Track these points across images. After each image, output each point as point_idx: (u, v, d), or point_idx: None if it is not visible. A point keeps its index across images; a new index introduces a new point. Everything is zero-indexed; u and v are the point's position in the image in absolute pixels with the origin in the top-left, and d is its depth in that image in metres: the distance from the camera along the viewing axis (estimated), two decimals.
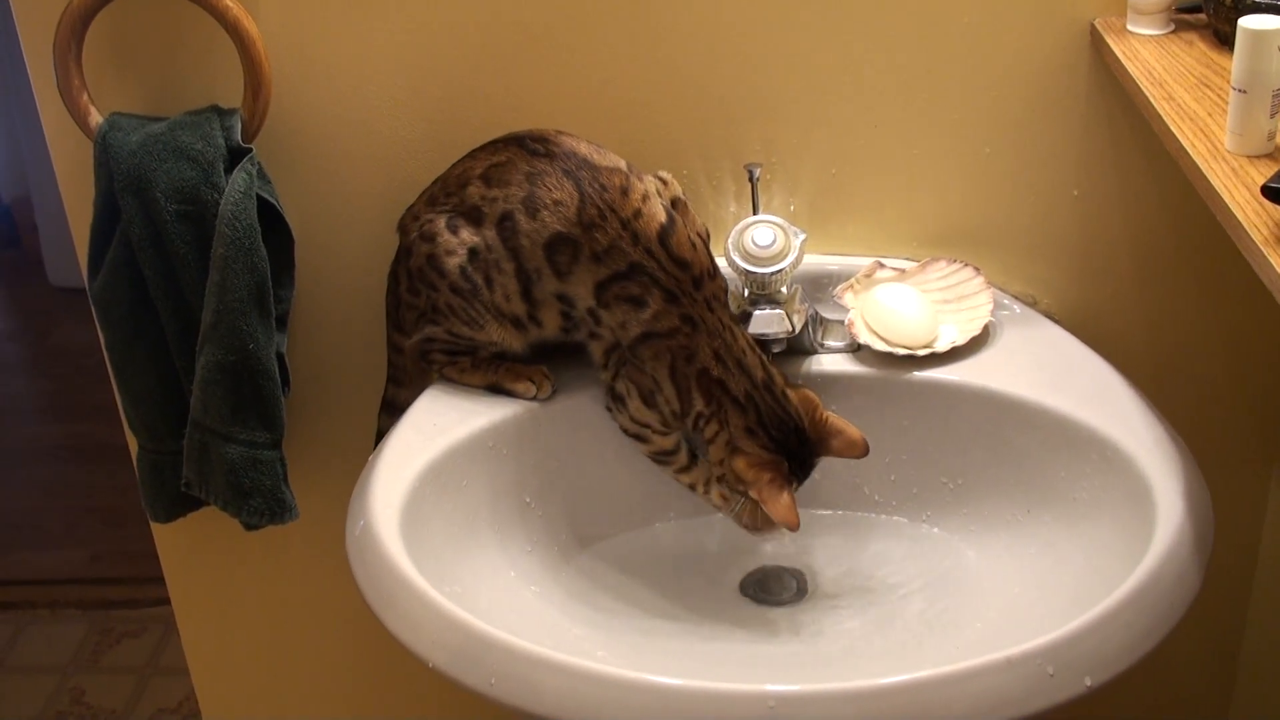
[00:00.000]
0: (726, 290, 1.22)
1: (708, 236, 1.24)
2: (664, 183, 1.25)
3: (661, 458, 1.25)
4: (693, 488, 1.26)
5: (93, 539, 2.70)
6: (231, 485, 1.34)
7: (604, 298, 1.19)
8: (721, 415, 1.17)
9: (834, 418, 1.18)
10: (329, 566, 1.53)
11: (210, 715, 1.69)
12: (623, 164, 1.22)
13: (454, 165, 1.27)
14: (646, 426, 1.23)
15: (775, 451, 1.16)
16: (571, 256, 1.20)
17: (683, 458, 1.25)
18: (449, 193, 1.25)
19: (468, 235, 1.23)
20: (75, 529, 2.74)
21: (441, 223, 1.24)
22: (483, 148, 1.26)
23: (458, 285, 1.24)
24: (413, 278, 1.26)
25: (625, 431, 1.25)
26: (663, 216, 1.19)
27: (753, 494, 1.16)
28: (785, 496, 1.15)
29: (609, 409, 1.26)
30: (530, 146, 1.22)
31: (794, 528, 1.15)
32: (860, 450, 1.18)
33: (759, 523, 1.23)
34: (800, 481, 1.18)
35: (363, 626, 1.31)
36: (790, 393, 1.18)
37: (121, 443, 1.47)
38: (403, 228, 1.28)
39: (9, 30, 1.32)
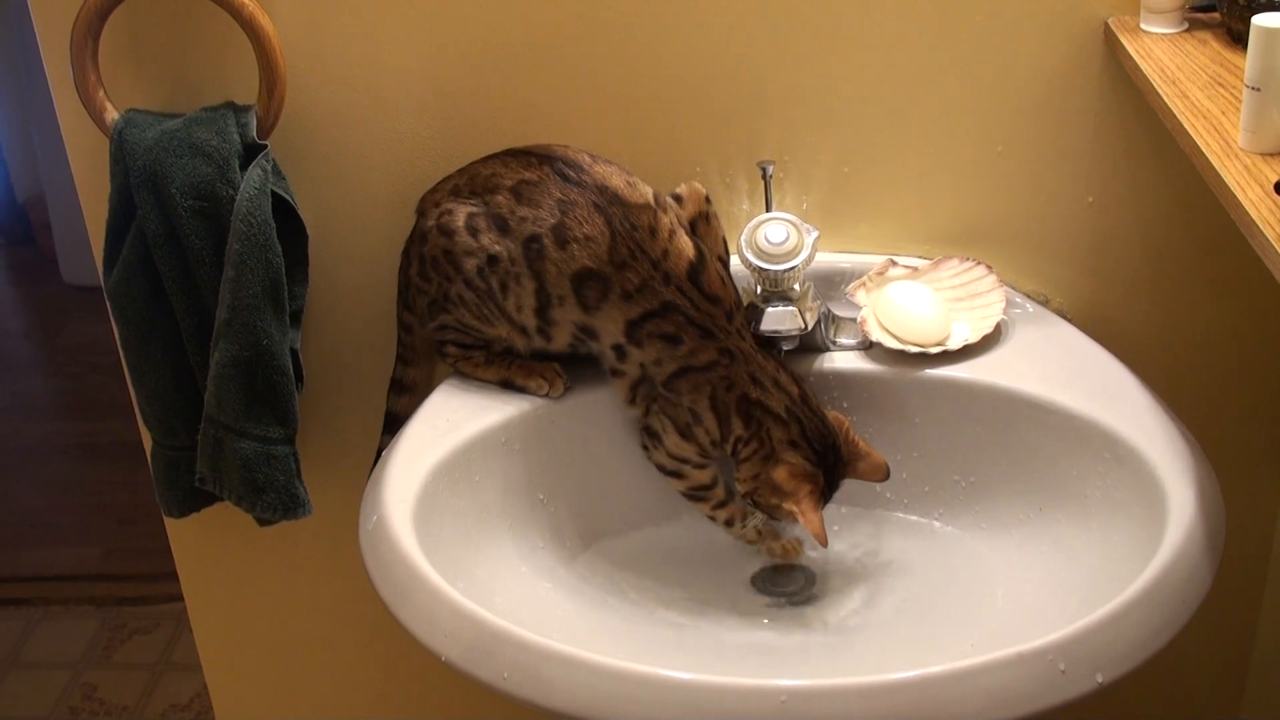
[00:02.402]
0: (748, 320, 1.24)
1: (727, 251, 1.24)
2: (679, 201, 1.25)
3: (697, 493, 1.26)
4: (729, 524, 1.27)
5: (105, 536, 2.71)
6: (245, 481, 1.34)
7: (636, 335, 1.20)
8: (763, 433, 1.18)
9: (862, 441, 1.20)
10: (342, 562, 1.53)
11: (222, 711, 1.69)
12: (650, 197, 1.22)
13: (484, 162, 1.27)
14: (685, 462, 1.24)
15: (816, 465, 1.17)
16: (601, 294, 1.20)
17: (719, 493, 1.26)
18: (475, 191, 1.25)
19: (488, 240, 1.23)
20: (88, 526, 2.74)
21: (461, 219, 1.24)
22: (515, 155, 1.26)
23: (472, 282, 1.24)
24: (425, 264, 1.27)
25: (662, 469, 1.26)
26: (691, 253, 1.20)
27: (788, 505, 1.17)
28: (820, 512, 1.16)
29: (644, 446, 1.26)
30: (563, 170, 1.22)
31: (824, 544, 1.16)
32: (883, 475, 1.20)
33: (794, 554, 1.27)
34: (827, 500, 1.19)
35: (376, 621, 1.31)
36: (824, 410, 1.20)
37: (134, 440, 1.47)
38: (421, 210, 1.29)
39: (26, 29, 1.33)
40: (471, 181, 1.26)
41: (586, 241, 1.19)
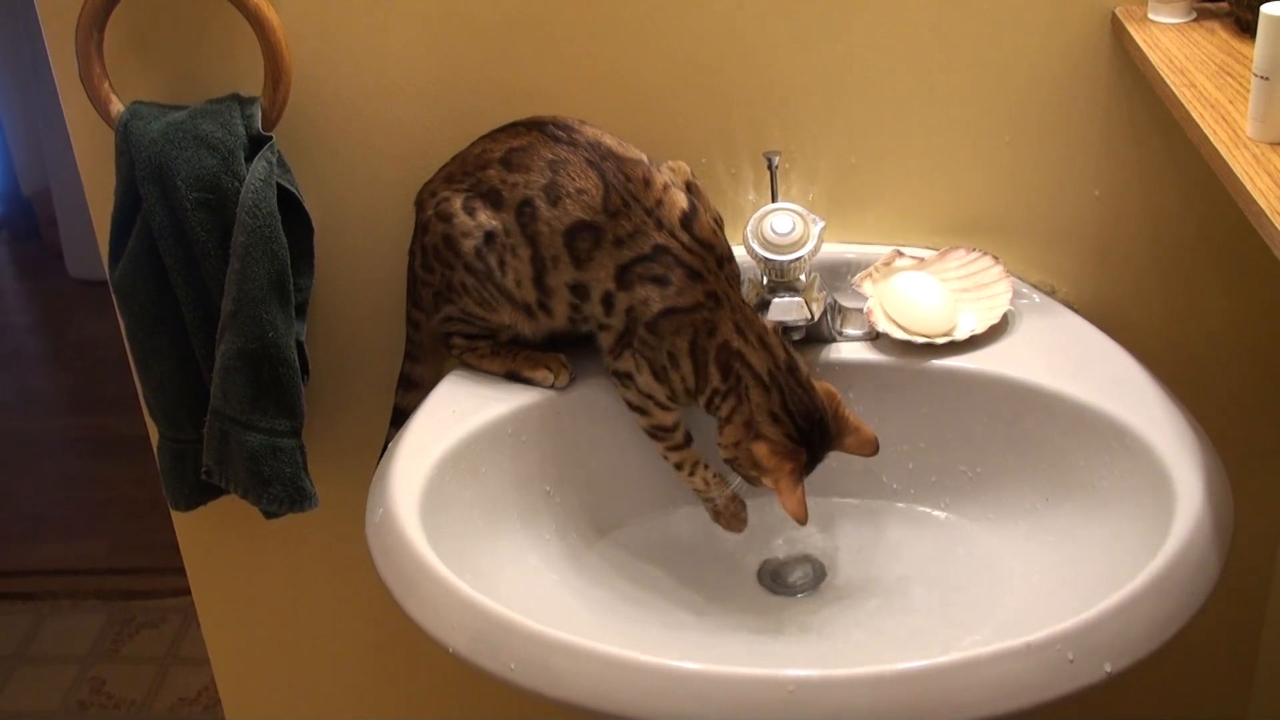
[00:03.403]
0: (741, 280, 1.23)
1: (721, 223, 1.24)
2: (673, 170, 1.25)
3: (657, 432, 1.25)
4: (678, 467, 1.26)
5: (112, 530, 2.71)
6: (251, 473, 1.34)
7: (626, 279, 1.20)
8: (740, 390, 1.17)
9: (852, 415, 1.18)
10: (349, 554, 1.54)
11: (230, 704, 1.69)
12: (644, 157, 1.23)
13: (473, 144, 1.28)
14: (650, 399, 1.23)
15: (799, 442, 1.16)
16: (593, 243, 1.20)
17: (678, 436, 1.25)
18: (467, 172, 1.26)
19: (484, 218, 1.23)
20: (95, 520, 2.75)
21: (458, 203, 1.24)
22: (503, 130, 1.26)
23: (472, 265, 1.24)
24: (428, 254, 1.27)
25: (630, 405, 1.25)
26: (685, 203, 1.20)
27: (768, 482, 1.16)
28: (800, 491, 1.15)
29: (617, 386, 1.26)
30: (552, 133, 1.23)
31: (803, 522, 1.15)
32: (872, 449, 1.18)
33: (733, 519, 1.26)
34: (808, 473, 1.17)
35: (383, 613, 1.31)
36: (814, 383, 1.18)
37: (141, 434, 1.47)
38: (419, 203, 1.29)
39: (31, 21, 1.33)
40: (463, 164, 1.27)
41: (579, 195, 1.20)
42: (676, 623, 1.21)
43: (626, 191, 1.20)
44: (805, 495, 1.15)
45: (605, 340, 1.24)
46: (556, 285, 1.23)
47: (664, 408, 1.23)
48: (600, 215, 1.20)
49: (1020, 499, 1.23)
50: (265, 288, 1.29)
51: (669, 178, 1.23)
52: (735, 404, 1.17)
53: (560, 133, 1.23)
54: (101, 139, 1.34)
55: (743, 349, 1.17)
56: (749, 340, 1.17)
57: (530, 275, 1.23)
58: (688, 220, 1.19)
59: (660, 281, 1.19)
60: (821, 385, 1.18)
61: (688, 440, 1.26)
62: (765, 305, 1.25)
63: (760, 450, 1.15)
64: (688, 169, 1.26)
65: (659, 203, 1.20)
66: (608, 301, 1.22)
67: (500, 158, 1.24)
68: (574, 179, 1.20)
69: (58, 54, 1.33)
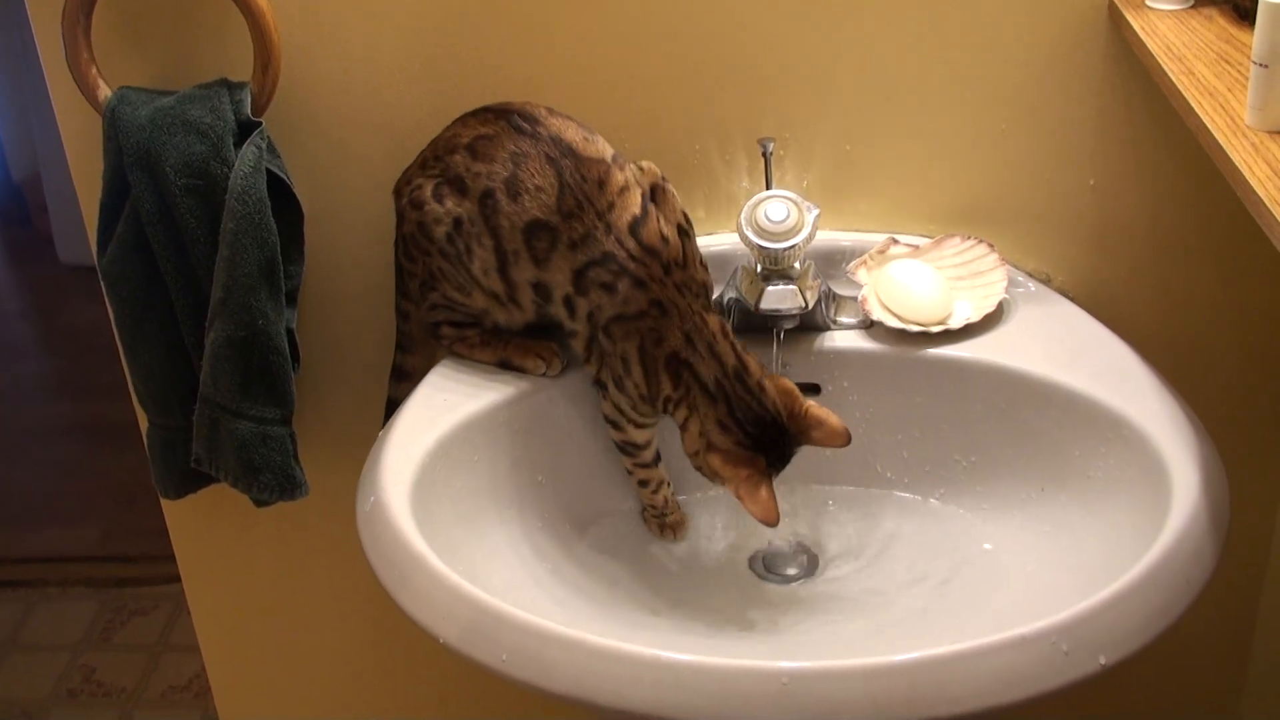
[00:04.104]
0: (706, 286, 1.20)
1: (686, 229, 1.22)
2: (642, 170, 1.23)
3: (627, 448, 1.24)
4: (643, 484, 1.26)
5: (103, 517, 2.70)
6: (242, 461, 1.34)
7: (582, 284, 1.19)
8: (690, 401, 1.16)
9: (814, 408, 1.16)
10: (340, 543, 1.53)
11: (221, 692, 1.69)
12: (608, 154, 1.21)
13: (447, 127, 1.27)
14: (621, 412, 1.22)
15: (751, 448, 1.14)
16: (550, 244, 1.19)
17: (647, 455, 1.25)
18: (438, 156, 1.25)
19: (452, 205, 1.22)
20: (86, 507, 2.74)
21: (428, 190, 1.24)
22: (474, 114, 1.25)
23: (445, 251, 1.24)
24: (408, 244, 1.27)
25: (605, 417, 1.24)
26: (636, 209, 1.18)
27: (729, 489, 1.15)
28: (763, 492, 1.13)
29: (599, 392, 1.25)
30: (517, 124, 1.21)
31: (773, 524, 1.12)
32: (843, 440, 1.15)
33: (676, 528, 1.28)
34: (779, 470, 1.15)
35: (374, 603, 1.30)
36: (767, 384, 1.15)
37: (133, 421, 1.47)
38: (397, 192, 1.28)
39: (19, 6, 1.32)
40: (435, 148, 1.26)
41: (537, 192, 1.19)
42: (669, 612, 1.20)
43: (581, 192, 1.18)
44: (773, 498, 1.12)
45: (577, 347, 1.24)
46: (520, 281, 1.22)
47: (635, 424, 1.22)
48: (555, 216, 1.19)
49: (1015, 489, 1.23)
50: (255, 274, 1.28)
51: (632, 178, 1.21)
52: (688, 413, 1.16)
53: (525, 124, 1.21)
54: (89, 125, 1.33)
55: (691, 359, 1.16)
56: (697, 350, 1.16)
57: (495, 266, 1.22)
58: (635, 226, 1.18)
59: (608, 289, 1.18)
60: (777, 385, 1.16)
61: (656, 460, 1.25)
62: (759, 293, 1.25)
63: (714, 461, 1.15)
64: (658, 171, 1.24)
65: (610, 206, 1.18)
66: (569, 305, 1.21)
67: (467, 144, 1.23)
68: (533, 175, 1.19)
69: (45, 39, 1.32)
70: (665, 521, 1.28)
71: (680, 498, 1.31)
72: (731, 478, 1.14)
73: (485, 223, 1.21)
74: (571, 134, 1.21)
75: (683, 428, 1.17)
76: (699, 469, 1.18)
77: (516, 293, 1.23)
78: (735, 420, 1.14)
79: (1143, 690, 1.59)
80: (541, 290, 1.22)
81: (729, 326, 1.18)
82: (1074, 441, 1.19)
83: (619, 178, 1.20)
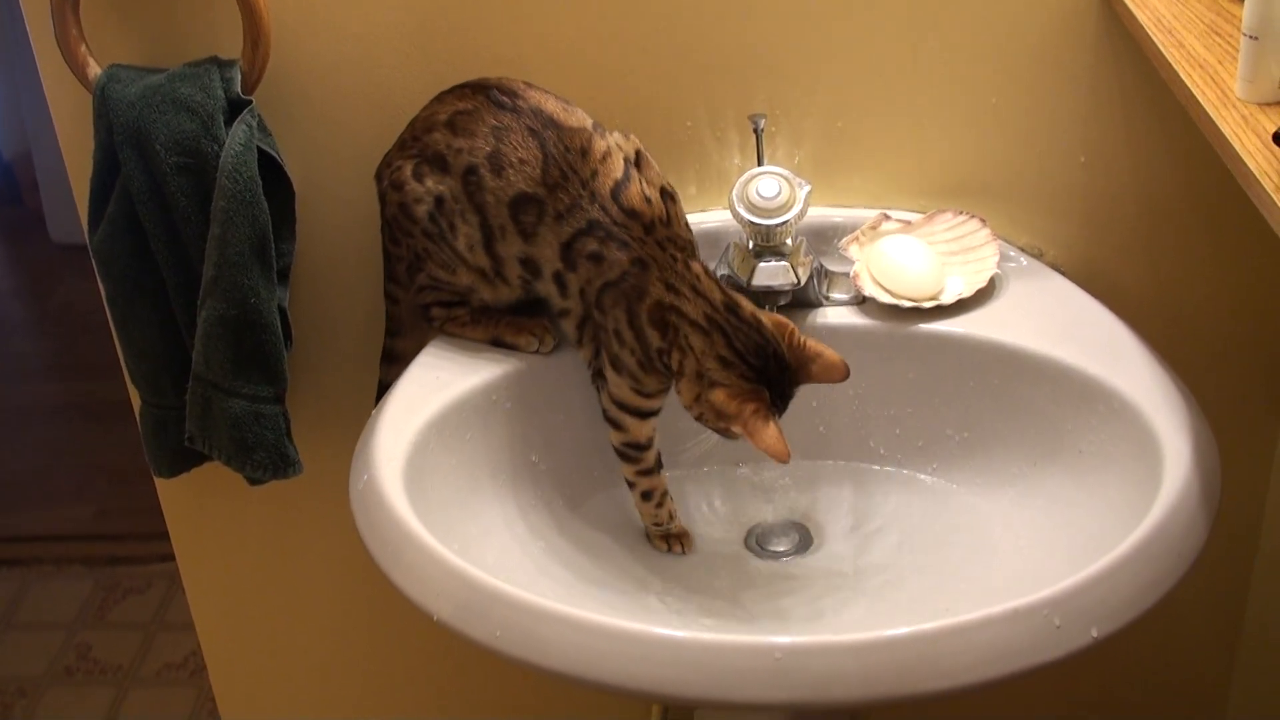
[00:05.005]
0: (691, 243, 1.18)
1: (670, 193, 1.21)
2: (626, 138, 1.23)
3: (629, 450, 1.23)
4: (646, 496, 1.24)
5: (98, 496, 2.71)
6: (234, 440, 1.33)
7: (570, 258, 1.18)
8: (682, 342, 1.13)
9: (811, 341, 1.13)
10: (333, 521, 1.53)
11: (216, 670, 1.69)
12: (588, 123, 1.21)
13: (425, 107, 1.26)
14: (623, 407, 1.20)
15: (756, 380, 1.11)
16: (537, 217, 1.19)
17: (650, 458, 1.23)
18: (416, 136, 1.24)
19: (433, 183, 1.22)
20: (81, 486, 2.74)
21: (408, 170, 1.23)
22: (450, 91, 1.25)
23: (428, 230, 1.23)
24: (391, 227, 1.27)
25: (605, 415, 1.22)
26: (618, 173, 1.18)
27: (736, 428, 1.12)
28: (772, 427, 1.09)
29: (596, 389, 1.24)
30: (496, 98, 1.21)
31: (785, 459, 1.08)
32: (841, 374, 1.13)
33: (682, 539, 1.25)
34: (780, 412, 1.13)
35: (367, 580, 1.30)
36: (761, 316, 1.13)
37: (126, 400, 1.47)
38: (378, 176, 1.28)
39: None
40: (413, 128, 1.26)
41: (521, 165, 1.18)
42: (662, 589, 1.21)
43: (565, 162, 1.18)
44: (780, 431, 1.10)
45: (569, 328, 1.23)
46: (507, 256, 1.22)
47: (638, 411, 1.20)
48: (540, 188, 1.18)
49: (1008, 463, 1.23)
50: (246, 253, 1.28)
51: (614, 144, 1.20)
52: (681, 356, 1.13)
53: (504, 98, 1.21)
54: (79, 103, 1.32)
55: (674, 302, 1.14)
56: (680, 292, 1.14)
57: (481, 241, 1.22)
58: (617, 190, 1.17)
59: (596, 258, 1.17)
60: (771, 318, 1.14)
61: (658, 466, 1.24)
62: (751, 270, 1.25)
63: (718, 398, 1.11)
64: (637, 141, 1.23)
65: (594, 173, 1.18)
66: (560, 281, 1.20)
67: (445, 121, 1.22)
68: (516, 148, 1.19)
69: (34, 16, 1.31)
70: (670, 533, 1.26)
71: (676, 472, 1.30)
72: (738, 413, 1.10)
73: (469, 199, 1.21)
74: (551, 105, 1.20)
75: (679, 373, 1.14)
76: (700, 417, 1.15)
77: (504, 268, 1.23)
78: (735, 352, 1.11)
79: (1134, 663, 1.60)
80: (530, 266, 1.21)
81: (714, 272, 1.16)
82: (1066, 416, 1.19)
83: (600, 145, 1.19)
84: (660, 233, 1.17)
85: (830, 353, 1.13)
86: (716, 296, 1.14)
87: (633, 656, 0.94)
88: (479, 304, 1.27)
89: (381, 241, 1.30)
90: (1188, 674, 1.62)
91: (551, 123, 1.19)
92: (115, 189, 1.30)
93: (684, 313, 1.14)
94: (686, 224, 1.20)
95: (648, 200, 1.17)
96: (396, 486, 1.11)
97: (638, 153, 1.22)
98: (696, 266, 1.16)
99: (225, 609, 1.64)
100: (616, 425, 1.22)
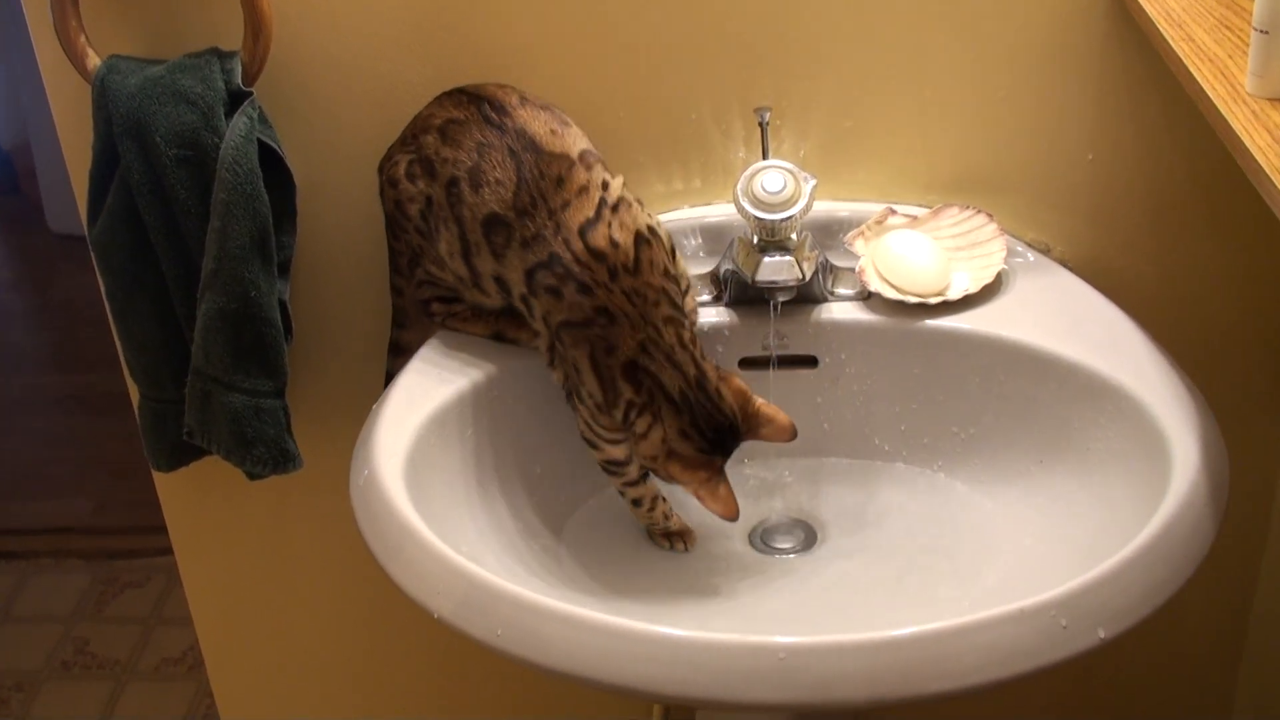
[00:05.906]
0: (666, 292, 1.16)
1: (651, 234, 1.17)
2: (612, 175, 1.21)
3: (610, 468, 1.22)
4: (636, 503, 1.24)
5: (97, 489, 2.70)
6: (234, 434, 1.33)
7: (533, 286, 1.17)
8: (655, 409, 1.14)
9: (764, 406, 1.15)
10: (333, 516, 1.52)
11: (214, 665, 1.69)
12: (575, 150, 1.19)
13: (427, 105, 1.26)
14: (591, 429, 1.20)
15: (710, 451, 1.14)
16: (505, 240, 1.18)
17: (632, 472, 1.22)
18: (415, 134, 1.24)
19: (423, 185, 1.22)
20: (79, 479, 2.74)
21: (402, 168, 1.23)
22: (450, 94, 1.24)
23: (420, 228, 1.23)
24: (391, 222, 1.27)
25: (583, 437, 1.22)
26: (590, 212, 1.16)
27: (689, 491, 1.16)
28: (722, 490, 1.14)
29: (572, 408, 1.23)
30: (486, 113, 1.20)
31: (735, 518, 1.15)
32: (788, 435, 1.16)
33: (684, 536, 1.25)
34: (723, 464, 1.16)
35: (367, 576, 1.30)
36: (724, 389, 1.14)
37: (125, 392, 1.46)
38: (379, 169, 1.28)
39: None
40: (413, 125, 1.25)
41: (496, 186, 1.17)
42: (665, 586, 1.20)
43: (537, 189, 1.16)
44: (731, 493, 1.14)
45: (541, 348, 1.21)
46: (483, 272, 1.21)
47: (610, 441, 1.19)
48: (510, 211, 1.17)
49: (1014, 461, 1.22)
50: (247, 246, 1.27)
51: (597, 179, 1.18)
52: (651, 421, 1.14)
53: (493, 115, 1.20)
54: (78, 94, 1.31)
55: (653, 369, 1.13)
56: (656, 359, 1.14)
57: (459, 252, 1.21)
58: (585, 229, 1.15)
59: (554, 292, 1.16)
60: (731, 387, 1.15)
61: (643, 475, 1.23)
62: (756, 264, 1.24)
63: (674, 469, 1.14)
64: (619, 187, 1.19)
65: (565, 205, 1.16)
66: (527, 305, 1.19)
67: (439, 126, 1.22)
68: (494, 167, 1.18)
69: (33, 6, 1.30)
70: (669, 531, 1.25)
71: None
72: (691, 481, 1.14)
73: (450, 210, 1.20)
74: (537, 127, 1.19)
75: (644, 436, 1.15)
76: (653, 471, 1.18)
77: (481, 281, 1.22)
78: (697, 429, 1.13)
79: (1140, 663, 1.59)
80: (502, 284, 1.20)
81: (686, 334, 1.15)
82: (1073, 413, 1.18)
83: (581, 177, 1.17)
84: (625, 281, 1.14)
85: (781, 417, 1.16)
86: (690, 370, 1.14)
87: (635, 656, 0.94)
88: (472, 303, 1.27)
89: (386, 234, 1.30)
90: (1194, 674, 1.61)
91: (532, 146, 1.18)
92: (114, 181, 1.30)
93: (662, 383, 1.14)
94: (666, 268, 1.17)
95: (614, 244, 1.15)
96: (397, 482, 1.10)
97: (620, 195, 1.19)
98: (669, 335, 1.14)
99: (224, 604, 1.63)
100: (593, 446, 1.21)
